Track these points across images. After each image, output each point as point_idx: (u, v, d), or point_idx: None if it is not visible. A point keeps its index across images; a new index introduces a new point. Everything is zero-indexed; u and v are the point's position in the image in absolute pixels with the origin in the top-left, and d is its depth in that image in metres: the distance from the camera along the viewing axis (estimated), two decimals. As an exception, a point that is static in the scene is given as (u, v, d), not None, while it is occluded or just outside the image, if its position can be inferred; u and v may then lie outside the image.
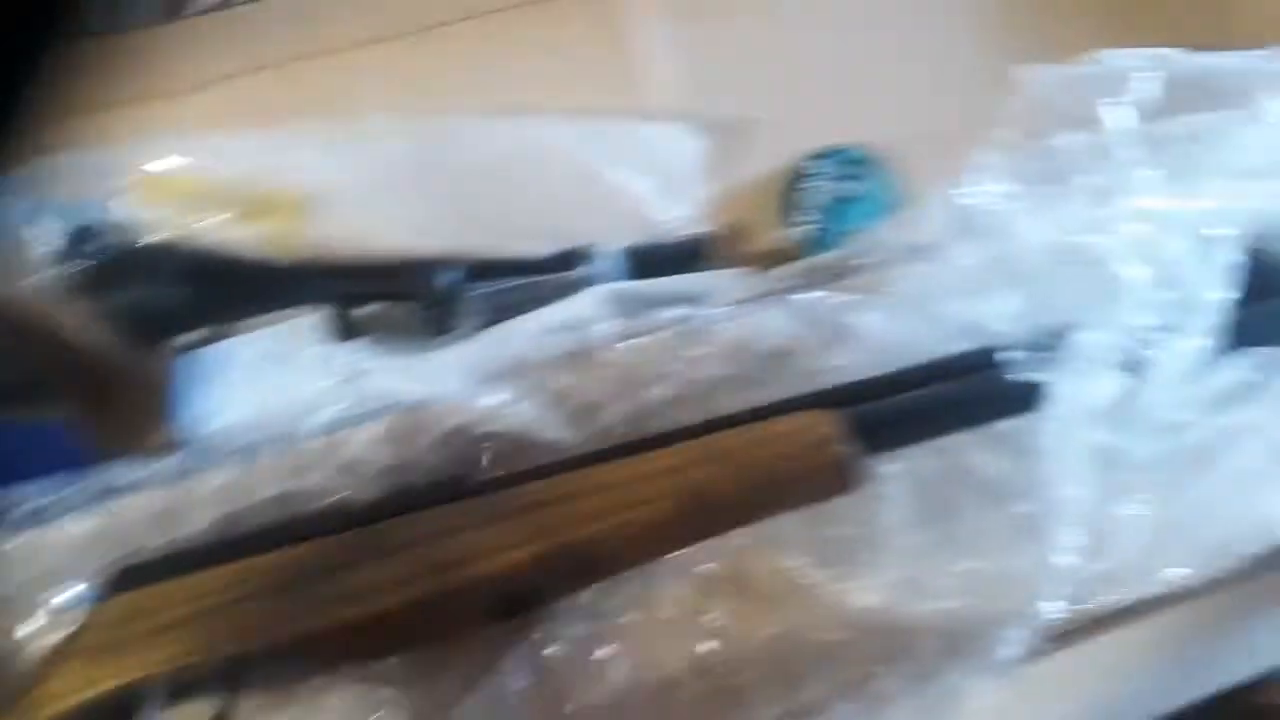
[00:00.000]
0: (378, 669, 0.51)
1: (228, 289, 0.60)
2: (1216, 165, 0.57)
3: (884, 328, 0.53)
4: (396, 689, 0.51)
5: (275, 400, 0.56)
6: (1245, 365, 0.53)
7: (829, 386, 0.51)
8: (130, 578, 0.46)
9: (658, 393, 0.53)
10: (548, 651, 0.51)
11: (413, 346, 0.56)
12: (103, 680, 0.43)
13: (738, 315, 0.55)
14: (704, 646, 0.52)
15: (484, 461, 0.52)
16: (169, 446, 0.53)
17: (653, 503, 0.48)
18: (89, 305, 0.57)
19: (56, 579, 0.47)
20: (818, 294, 0.54)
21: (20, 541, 0.47)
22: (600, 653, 0.51)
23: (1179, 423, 0.51)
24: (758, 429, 0.49)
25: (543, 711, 0.50)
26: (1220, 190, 0.57)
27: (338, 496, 0.51)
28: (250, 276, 0.61)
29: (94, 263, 0.57)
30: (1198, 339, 0.53)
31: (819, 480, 0.48)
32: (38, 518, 0.48)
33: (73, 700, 0.43)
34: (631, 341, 0.55)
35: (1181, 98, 0.59)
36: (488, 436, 0.52)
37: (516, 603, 0.49)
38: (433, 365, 0.54)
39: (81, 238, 0.58)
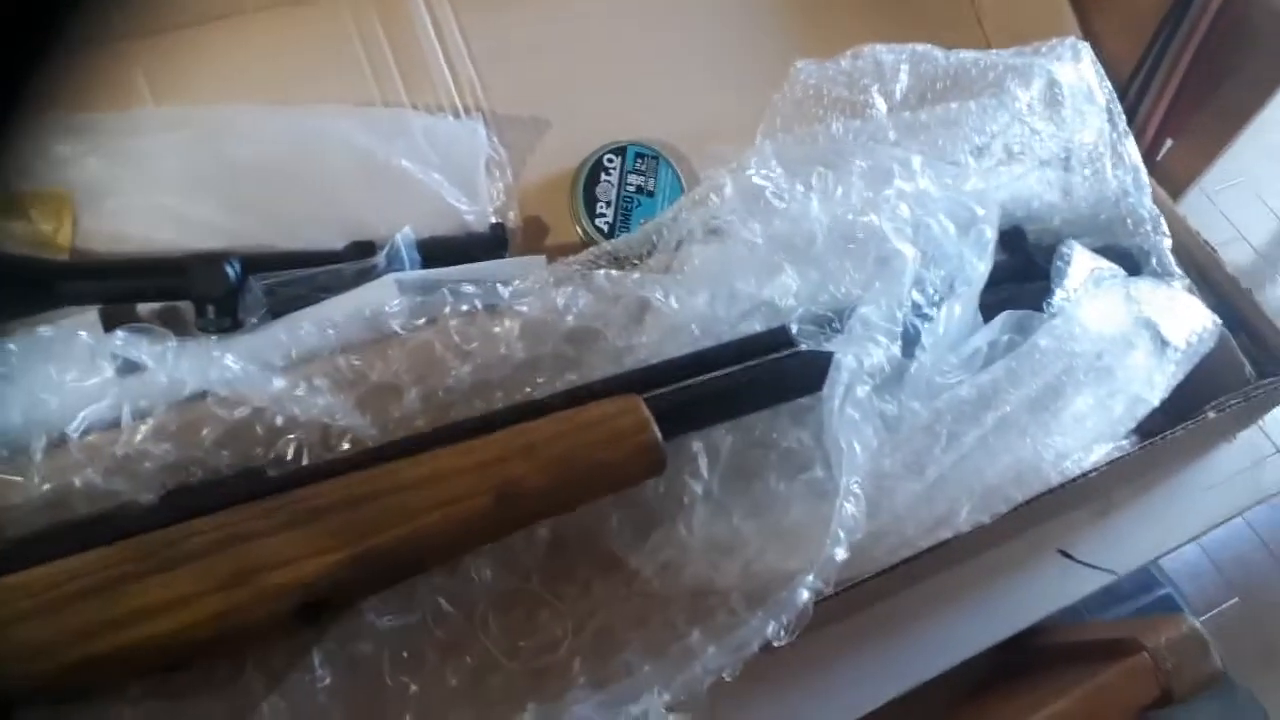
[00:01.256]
0: (171, 683, 0.48)
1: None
2: (971, 149, 0.62)
3: (682, 305, 0.55)
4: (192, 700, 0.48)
5: (44, 401, 0.51)
6: (1002, 327, 0.57)
7: (633, 369, 0.52)
8: None
9: (458, 375, 0.53)
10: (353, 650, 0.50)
11: (194, 343, 0.52)
12: None
13: (537, 295, 0.55)
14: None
15: (275, 455, 0.50)
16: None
17: (464, 500, 0.47)
18: None
19: None
20: (617, 273, 0.55)
21: None
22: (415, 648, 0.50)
23: (948, 384, 0.55)
24: (567, 418, 0.49)
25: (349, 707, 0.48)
26: (976, 172, 0.62)
27: (115, 499, 0.48)
28: (17, 276, 0.56)
29: None
30: (961, 308, 0.58)
31: (631, 465, 0.49)
32: None
33: None
34: (427, 325, 0.54)
35: (941, 88, 0.64)
36: (279, 428, 0.50)
37: (323, 607, 0.47)
38: (214, 357, 0.51)
39: None
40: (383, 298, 0.55)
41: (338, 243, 0.65)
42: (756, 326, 0.55)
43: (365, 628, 0.50)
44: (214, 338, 0.54)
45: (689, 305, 0.55)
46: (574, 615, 0.52)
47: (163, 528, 0.44)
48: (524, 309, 0.54)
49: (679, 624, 0.49)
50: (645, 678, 0.44)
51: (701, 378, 0.53)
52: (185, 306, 0.59)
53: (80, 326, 0.55)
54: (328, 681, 0.48)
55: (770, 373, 0.53)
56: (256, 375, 0.50)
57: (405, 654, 0.50)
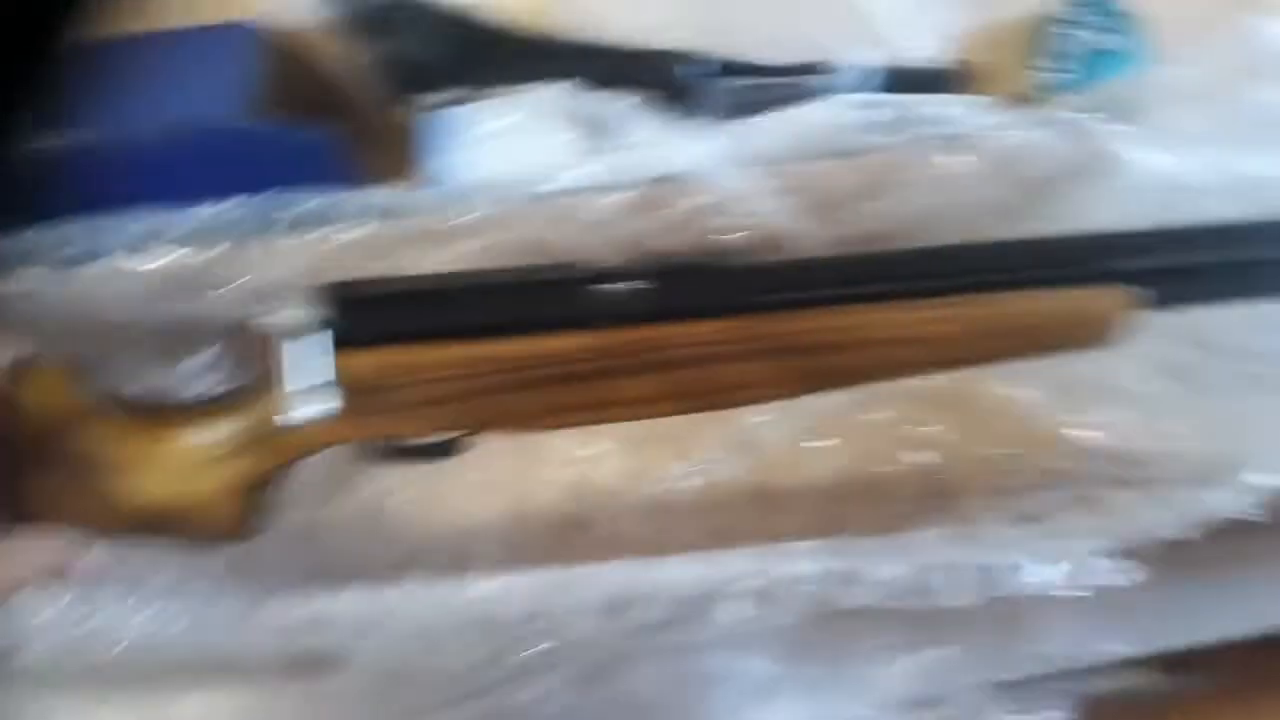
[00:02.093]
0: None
1: (480, 53, 0.61)
2: None
3: (1161, 168, 0.51)
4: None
5: (518, 164, 0.56)
6: None
7: (1112, 232, 0.48)
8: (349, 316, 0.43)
9: (911, 203, 0.52)
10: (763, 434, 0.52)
11: (659, 129, 0.55)
12: (348, 436, 0.45)
13: (998, 135, 0.53)
14: (920, 454, 0.52)
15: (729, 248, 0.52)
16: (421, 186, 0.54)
17: (921, 367, 0.47)
18: (355, 49, 0.58)
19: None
20: (1092, 120, 0.52)
21: (286, 243, 0.49)
22: (813, 443, 0.52)
23: None
24: (1048, 300, 0.45)
25: (753, 488, 0.51)
26: None
27: (581, 255, 0.52)
28: (503, 44, 0.61)
29: (362, 11, 0.58)
30: None
31: (1093, 343, 0.46)
32: (303, 223, 0.50)
33: (316, 446, 0.45)
34: (883, 149, 0.53)
35: None
36: (736, 222, 0.52)
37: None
38: (680, 145, 0.53)
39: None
40: (843, 116, 0.55)
41: (786, 58, 0.65)
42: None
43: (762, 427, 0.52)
44: (678, 129, 0.56)
45: (1169, 170, 0.51)
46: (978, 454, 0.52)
47: (647, 323, 0.45)
48: (989, 142, 0.52)
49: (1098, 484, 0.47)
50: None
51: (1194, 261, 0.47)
52: (644, 94, 0.61)
53: (550, 99, 0.60)
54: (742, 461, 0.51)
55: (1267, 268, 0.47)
56: (721, 168, 0.52)
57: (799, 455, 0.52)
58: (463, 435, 0.47)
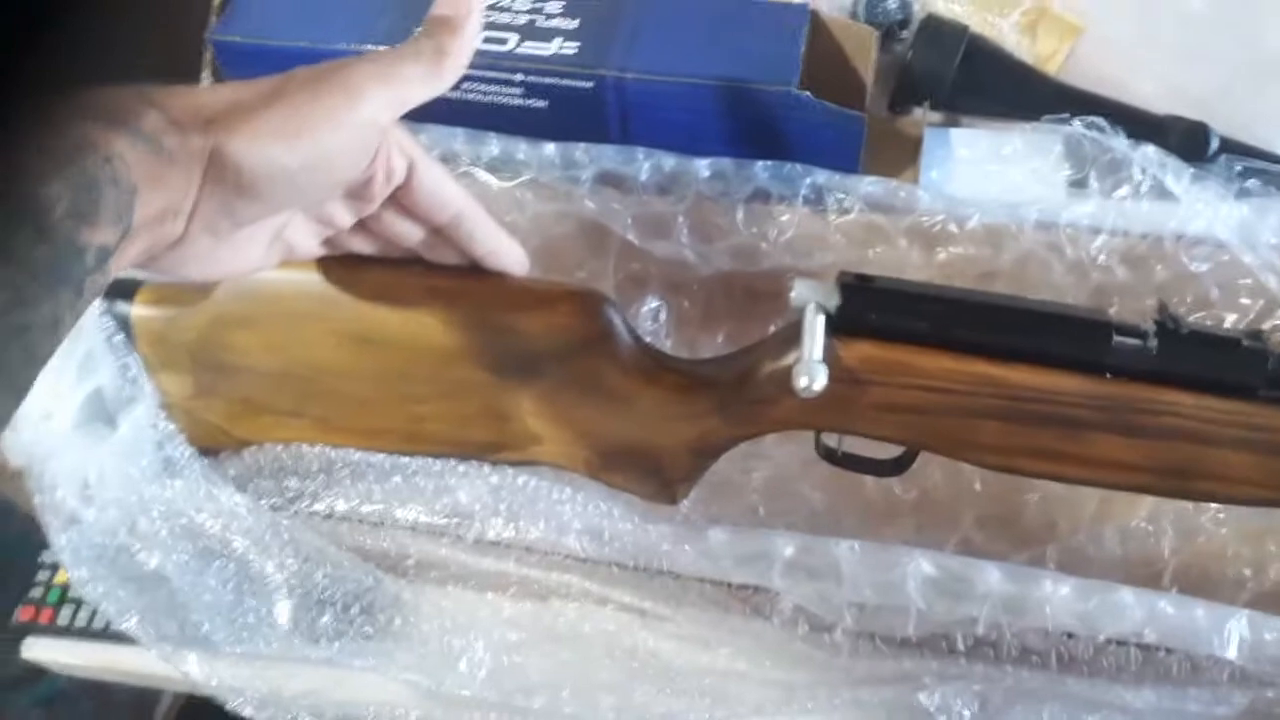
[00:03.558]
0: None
1: (987, 80, 0.63)
2: None
3: None
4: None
5: (1011, 190, 0.58)
6: None
7: None
8: (865, 304, 0.43)
9: None
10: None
11: (1167, 185, 0.55)
12: (814, 424, 0.45)
13: None
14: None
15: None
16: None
17: None
18: (885, 52, 0.62)
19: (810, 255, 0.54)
20: None
21: (792, 210, 0.54)
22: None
23: None
24: None
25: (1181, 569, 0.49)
26: None
27: (1053, 290, 0.53)
28: (1012, 77, 0.63)
29: (899, 19, 0.62)
30: None
31: None
32: (811, 198, 0.54)
33: (780, 426, 0.45)
34: None
35: None
36: (1234, 296, 0.51)
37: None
38: (1188, 207, 0.53)
39: (882, -3, 0.64)
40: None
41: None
42: None
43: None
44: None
45: None
46: None
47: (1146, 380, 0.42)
48: None
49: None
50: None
51: None
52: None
53: (1047, 139, 0.61)
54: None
55: None
56: (1228, 238, 0.51)
57: (1248, 549, 0.50)
58: (916, 451, 0.46)
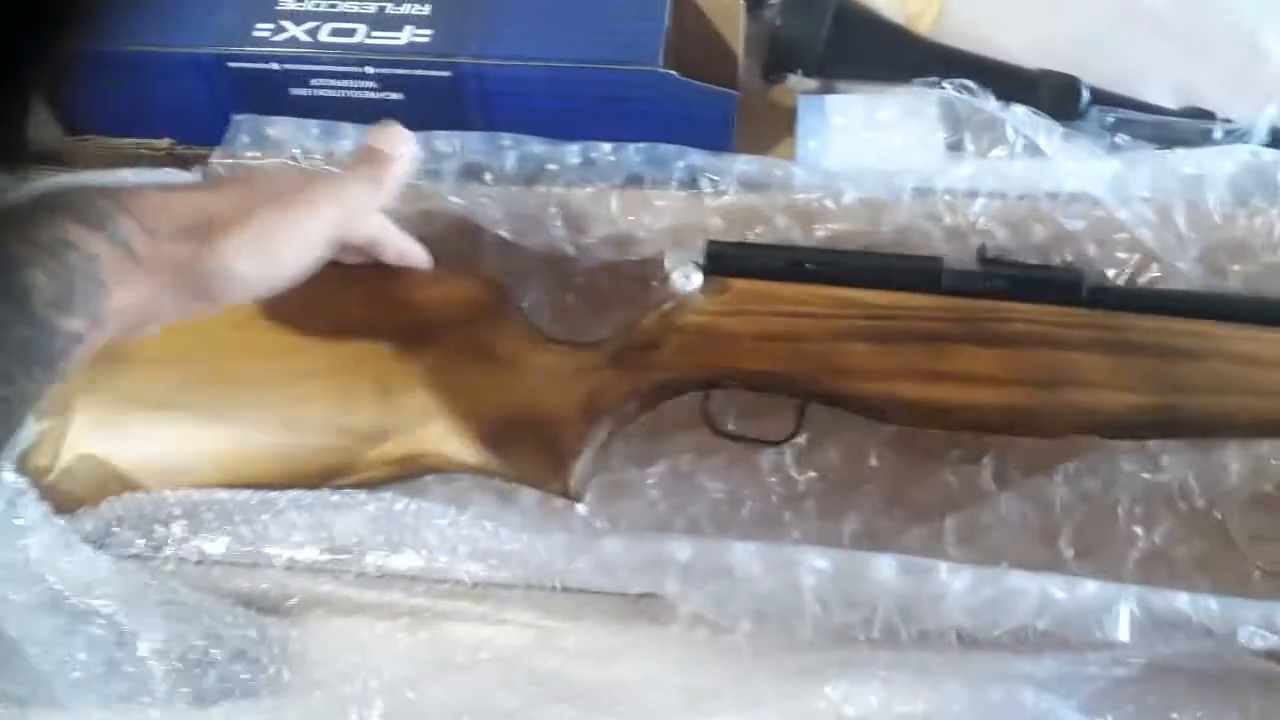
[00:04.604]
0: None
1: (861, 45, 0.62)
2: None
3: None
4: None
5: (888, 157, 0.57)
6: None
7: None
8: (726, 259, 0.48)
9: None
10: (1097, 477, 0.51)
11: (1041, 144, 0.54)
12: (698, 368, 0.48)
13: None
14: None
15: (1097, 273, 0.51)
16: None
17: (1275, 398, 0.45)
18: (753, 22, 0.60)
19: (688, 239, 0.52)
20: None
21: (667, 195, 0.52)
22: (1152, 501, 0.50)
23: None
24: None
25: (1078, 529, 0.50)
26: None
27: (943, 254, 0.52)
28: (885, 40, 0.62)
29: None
30: None
31: None
32: (684, 178, 0.52)
33: (669, 375, 0.48)
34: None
35: None
36: (1113, 241, 0.51)
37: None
38: (1062, 165, 0.52)
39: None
40: (1231, 169, 0.52)
41: (1166, 100, 0.63)
42: None
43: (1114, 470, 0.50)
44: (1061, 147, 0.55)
45: None
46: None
47: (980, 297, 0.47)
48: None
49: None
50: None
51: None
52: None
53: (920, 99, 0.60)
54: (1062, 495, 0.50)
55: None
56: (1103, 193, 0.51)
57: (1140, 509, 0.50)
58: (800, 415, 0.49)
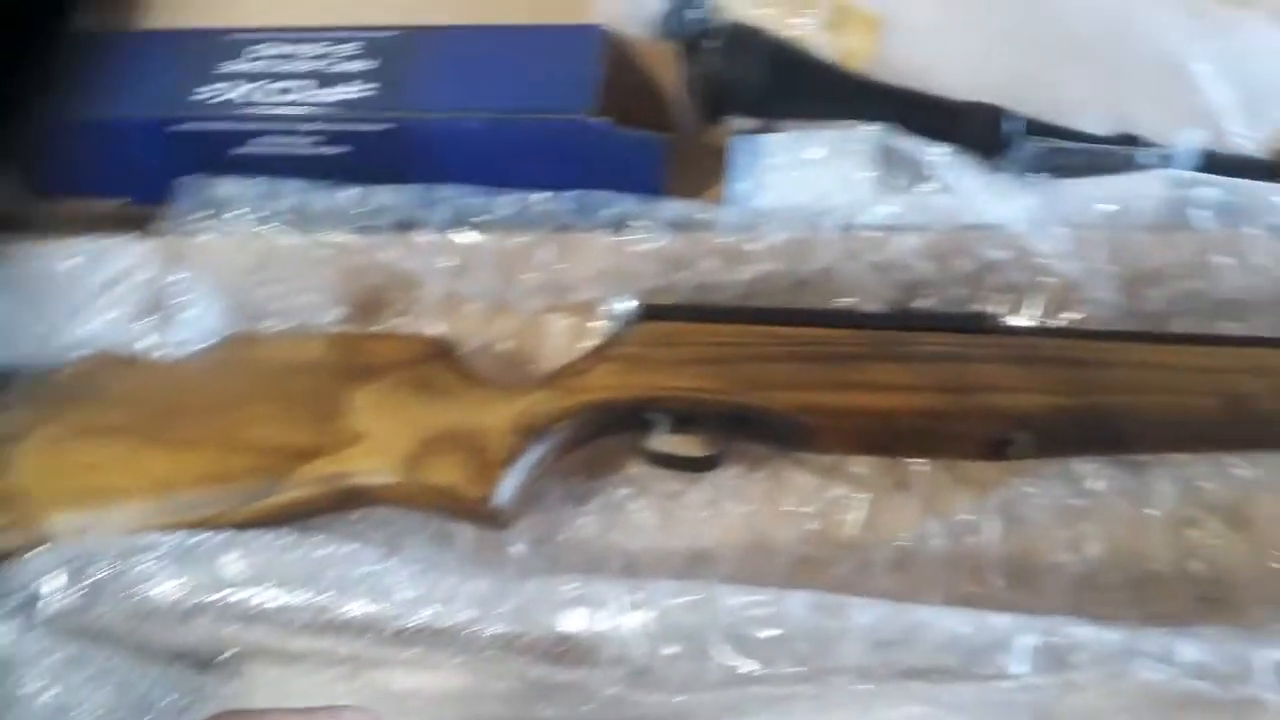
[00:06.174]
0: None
1: (803, 85, 0.63)
2: None
3: None
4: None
5: (819, 196, 0.58)
6: None
7: None
8: (660, 312, 0.51)
9: (1224, 283, 0.51)
10: (1025, 504, 0.51)
11: (968, 178, 0.56)
12: (627, 388, 0.50)
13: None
14: (1190, 561, 0.50)
15: (1020, 305, 0.53)
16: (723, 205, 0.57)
17: (1189, 395, 0.47)
18: (683, 65, 0.61)
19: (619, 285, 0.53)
20: None
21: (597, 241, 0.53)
22: (1081, 526, 0.51)
23: None
24: None
25: (1007, 558, 0.50)
26: None
27: (862, 292, 0.54)
28: (825, 80, 0.63)
29: (695, 30, 0.62)
30: None
31: None
32: (614, 223, 0.54)
33: (599, 396, 0.50)
34: (1204, 227, 0.52)
35: None
36: (1033, 280, 0.52)
37: (1008, 447, 0.49)
38: (987, 198, 0.54)
39: (686, 4, 0.63)
40: (1165, 191, 0.53)
41: (1098, 126, 0.64)
42: None
43: (1024, 497, 0.51)
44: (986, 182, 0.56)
45: None
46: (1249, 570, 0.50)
47: (894, 330, 0.50)
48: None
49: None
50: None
51: None
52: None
53: (856, 139, 0.61)
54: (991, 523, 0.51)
55: None
56: (1027, 225, 0.52)
57: (1062, 532, 0.50)
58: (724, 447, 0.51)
